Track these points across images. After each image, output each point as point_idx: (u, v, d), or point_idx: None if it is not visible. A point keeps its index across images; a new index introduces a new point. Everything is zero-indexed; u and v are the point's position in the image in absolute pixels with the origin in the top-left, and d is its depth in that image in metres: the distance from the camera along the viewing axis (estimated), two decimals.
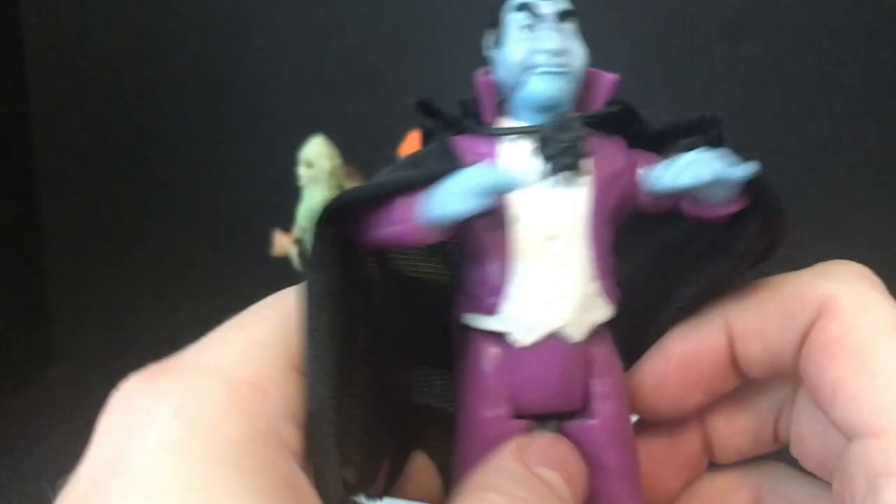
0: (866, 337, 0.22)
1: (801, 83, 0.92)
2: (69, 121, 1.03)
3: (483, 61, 0.25)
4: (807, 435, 0.26)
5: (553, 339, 0.23)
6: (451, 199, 0.21)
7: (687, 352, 0.26)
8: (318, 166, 0.77)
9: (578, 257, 0.24)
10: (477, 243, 0.24)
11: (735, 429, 0.28)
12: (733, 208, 0.23)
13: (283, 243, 0.84)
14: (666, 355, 0.26)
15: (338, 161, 0.79)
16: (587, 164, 0.23)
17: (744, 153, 0.22)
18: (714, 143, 0.23)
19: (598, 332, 0.24)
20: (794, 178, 0.95)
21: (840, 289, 0.24)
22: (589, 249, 0.24)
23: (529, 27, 0.23)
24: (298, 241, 0.81)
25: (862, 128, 0.92)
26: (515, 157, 0.23)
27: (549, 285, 0.23)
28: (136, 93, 1.01)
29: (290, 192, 0.83)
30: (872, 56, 0.90)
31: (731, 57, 0.92)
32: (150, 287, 1.06)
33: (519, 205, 0.23)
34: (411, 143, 0.80)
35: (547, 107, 0.23)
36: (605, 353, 0.25)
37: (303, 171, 0.78)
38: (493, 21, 0.24)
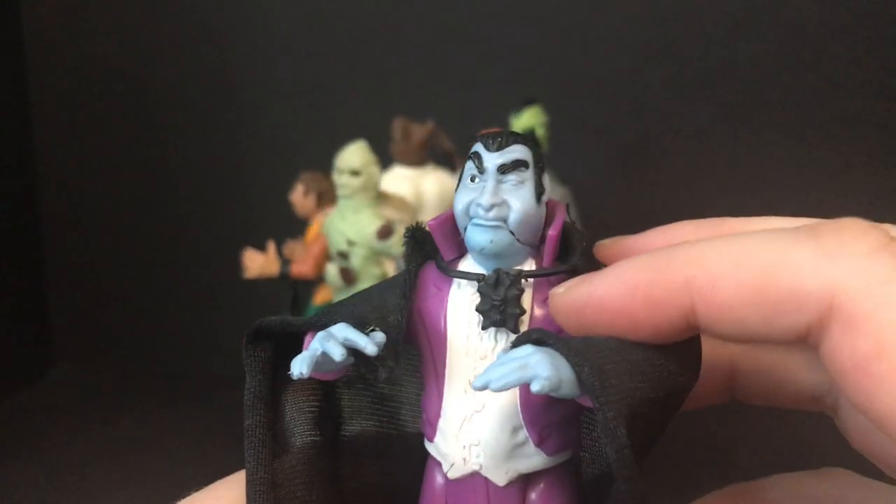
0: None
1: (801, 83, 0.92)
2: (69, 121, 1.03)
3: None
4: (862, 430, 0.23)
5: (478, 477, 0.24)
6: (297, 358, 0.23)
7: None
8: (366, 173, 0.73)
9: (503, 406, 0.24)
10: (424, 372, 0.25)
11: (760, 368, 0.26)
12: (585, 403, 0.22)
13: (257, 263, 0.79)
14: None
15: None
16: (519, 320, 0.23)
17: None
18: None
19: (538, 478, 0.24)
20: (794, 177, 0.95)
21: (853, 282, 0.17)
22: (517, 399, 0.24)
23: (474, 178, 0.24)
24: (343, 255, 0.75)
25: (862, 127, 0.92)
26: (461, 297, 0.24)
27: (469, 429, 0.24)
28: (136, 93, 1.01)
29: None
30: (873, 56, 0.90)
31: (732, 57, 0.92)
32: (150, 287, 1.06)
33: (458, 345, 0.24)
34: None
35: (486, 255, 0.24)
36: (544, 499, 0.24)
37: (346, 181, 0.72)
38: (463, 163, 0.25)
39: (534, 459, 0.24)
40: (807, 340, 0.19)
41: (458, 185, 0.25)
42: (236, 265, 0.81)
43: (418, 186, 0.86)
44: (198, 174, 1.02)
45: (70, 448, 0.85)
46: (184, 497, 0.25)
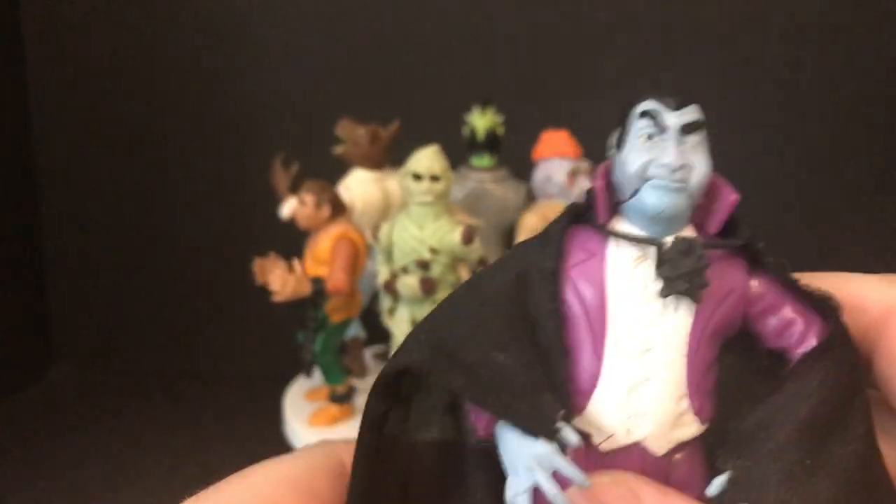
0: None
1: (801, 83, 0.92)
2: (69, 121, 1.03)
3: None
4: None
5: (635, 448, 0.23)
6: (512, 468, 0.23)
7: None
8: (445, 178, 0.71)
9: (671, 374, 0.23)
10: (574, 339, 0.23)
11: None
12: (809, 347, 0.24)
13: (290, 286, 0.73)
14: None
15: None
16: (702, 291, 0.23)
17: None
18: (839, 334, 0.23)
19: (684, 446, 0.24)
20: (793, 176, 0.95)
21: None
22: (684, 367, 0.23)
23: (651, 136, 0.23)
24: (423, 265, 0.71)
25: (862, 127, 0.92)
26: (622, 261, 0.23)
27: (635, 398, 0.23)
28: (136, 93, 1.01)
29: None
30: (872, 56, 0.90)
31: (732, 57, 0.92)
32: (150, 287, 1.06)
33: (622, 311, 0.23)
34: (546, 144, 0.78)
35: (659, 218, 0.23)
36: (688, 467, 0.24)
37: (428, 187, 0.70)
38: (619, 121, 0.24)
39: (692, 427, 0.23)
40: (860, 347, 0.24)
41: (619, 146, 0.24)
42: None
43: (384, 189, 0.86)
44: (198, 174, 1.02)
45: (70, 448, 0.85)
46: (183, 497, 0.25)
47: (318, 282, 0.75)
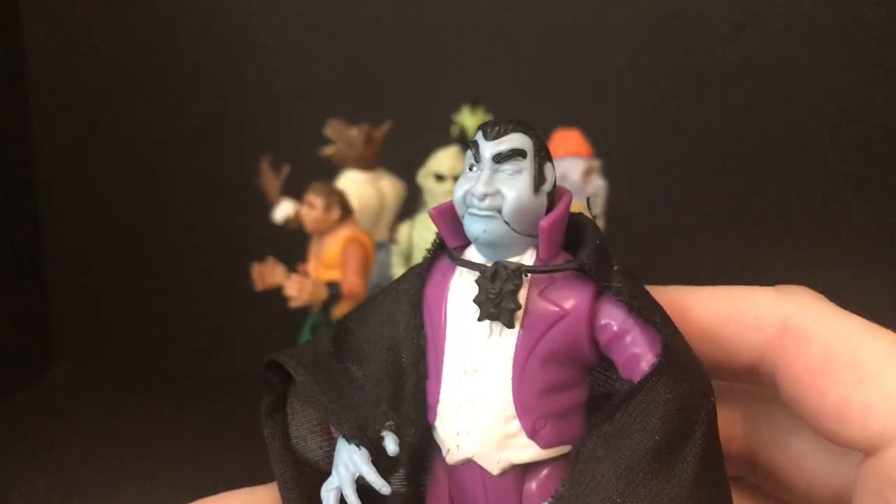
0: (852, 349, 0.22)
1: (801, 83, 0.92)
2: (69, 122, 1.03)
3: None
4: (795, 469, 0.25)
5: (473, 465, 0.24)
6: (333, 466, 0.25)
7: None
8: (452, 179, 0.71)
9: (495, 395, 0.24)
10: (428, 359, 0.25)
11: (778, 464, 0.27)
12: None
13: (307, 291, 0.70)
14: None
15: None
16: (516, 314, 0.23)
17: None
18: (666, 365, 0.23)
19: (536, 470, 0.24)
20: (793, 177, 0.95)
21: (802, 311, 0.24)
22: (510, 389, 0.24)
23: (472, 167, 0.24)
24: None
25: (861, 127, 0.92)
26: (460, 286, 0.24)
27: (462, 416, 0.24)
28: (136, 94, 1.01)
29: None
30: (873, 56, 0.90)
31: (732, 57, 0.92)
32: (150, 287, 1.06)
33: (456, 333, 0.24)
34: (559, 143, 0.79)
35: (484, 244, 0.24)
36: (541, 492, 0.24)
37: (450, 187, 0.71)
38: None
39: (526, 451, 0.24)
40: (760, 366, 0.24)
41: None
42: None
43: (379, 190, 0.85)
44: (198, 174, 1.03)
45: (70, 448, 0.85)
46: (183, 497, 0.25)
47: (333, 286, 0.75)
